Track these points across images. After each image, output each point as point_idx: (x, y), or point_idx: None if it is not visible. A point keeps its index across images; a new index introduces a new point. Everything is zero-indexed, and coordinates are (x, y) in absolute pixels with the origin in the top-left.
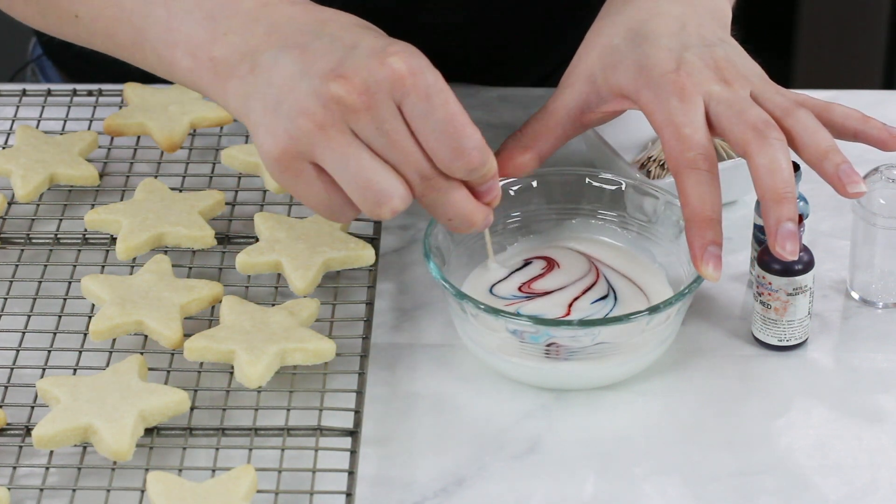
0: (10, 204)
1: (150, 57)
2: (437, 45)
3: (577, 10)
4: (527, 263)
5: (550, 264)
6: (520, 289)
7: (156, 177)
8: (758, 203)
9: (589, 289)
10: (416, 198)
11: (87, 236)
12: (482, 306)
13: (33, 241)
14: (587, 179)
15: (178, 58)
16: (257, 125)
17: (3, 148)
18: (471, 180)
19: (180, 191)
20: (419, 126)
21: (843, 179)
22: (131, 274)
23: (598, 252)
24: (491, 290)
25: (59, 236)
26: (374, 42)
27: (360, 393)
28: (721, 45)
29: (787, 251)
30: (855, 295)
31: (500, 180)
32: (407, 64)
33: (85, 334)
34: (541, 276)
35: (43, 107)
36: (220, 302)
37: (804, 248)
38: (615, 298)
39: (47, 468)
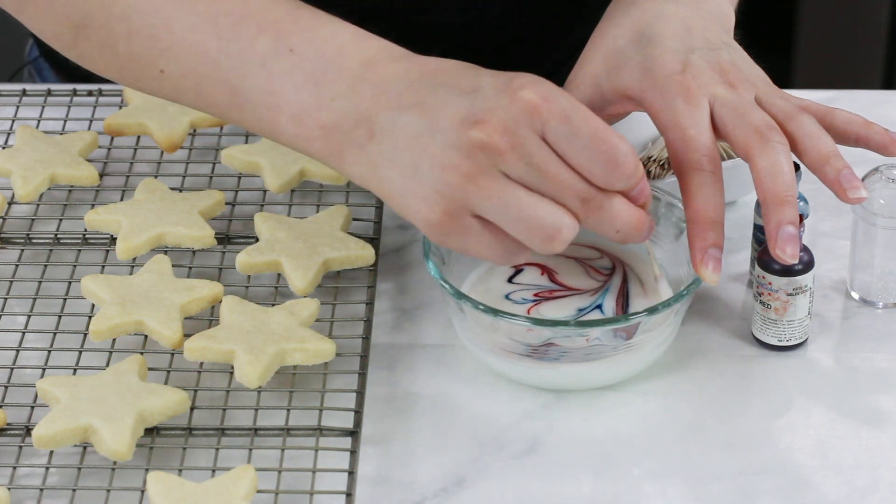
0: (10, 204)
1: (250, 118)
2: (437, 48)
3: (576, 11)
4: (518, 271)
5: (545, 270)
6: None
7: (156, 177)
8: (758, 203)
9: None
10: (579, 222)
11: (87, 236)
12: (481, 306)
13: (33, 241)
14: None
15: (283, 123)
16: (401, 196)
17: (3, 148)
18: (627, 190)
19: (180, 191)
20: (567, 149)
21: (845, 185)
22: (131, 274)
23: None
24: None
25: (59, 236)
26: (495, 81)
27: (360, 393)
28: (725, 48)
29: (787, 255)
30: (855, 295)
31: None
32: (537, 93)
33: (85, 334)
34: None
35: (43, 107)
36: (220, 302)
37: (804, 248)
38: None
39: (47, 468)
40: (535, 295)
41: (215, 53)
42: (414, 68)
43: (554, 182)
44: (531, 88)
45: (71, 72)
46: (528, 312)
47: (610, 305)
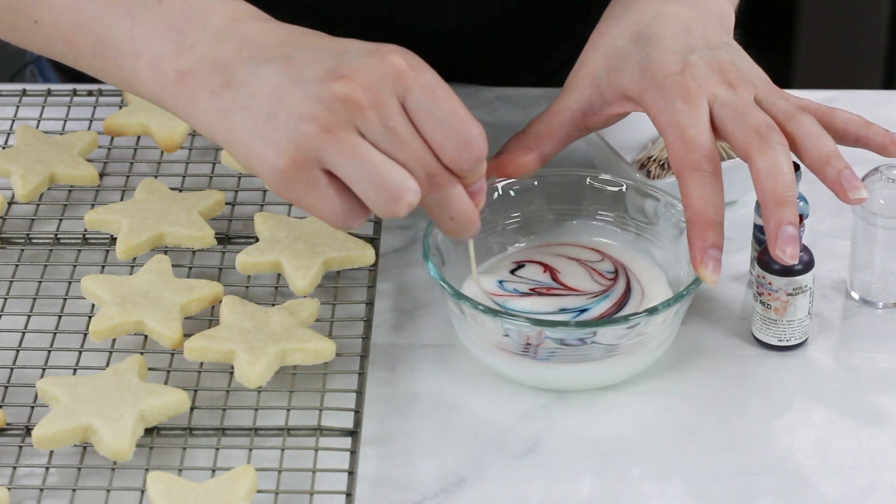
0: (10, 204)
1: (111, 67)
2: (436, 51)
3: (574, 16)
4: (520, 265)
5: (547, 269)
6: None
7: (156, 177)
8: (758, 203)
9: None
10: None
11: (87, 236)
12: (480, 307)
13: (33, 241)
14: (588, 180)
15: (141, 69)
16: (250, 140)
17: (3, 148)
18: (469, 176)
19: (180, 191)
20: (424, 120)
21: (845, 185)
22: (131, 274)
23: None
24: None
25: (59, 236)
26: (364, 45)
27: (360, 393)
28: (725, 48)
29: (787, 255)
30: (855, 295)
31: (501, 181)
32: (406, 60)
33: (85, 334)
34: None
35: (43, 107)
36: (220, 302)
37: (804, 248)
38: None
39: (47, 468)
40: (532, 290)
41: (84, 3)
42: (280, 29)
43: (405, 148)
44: (401, 55)
45: (73, 71)
46: (510, 299)
47: (599, 311)
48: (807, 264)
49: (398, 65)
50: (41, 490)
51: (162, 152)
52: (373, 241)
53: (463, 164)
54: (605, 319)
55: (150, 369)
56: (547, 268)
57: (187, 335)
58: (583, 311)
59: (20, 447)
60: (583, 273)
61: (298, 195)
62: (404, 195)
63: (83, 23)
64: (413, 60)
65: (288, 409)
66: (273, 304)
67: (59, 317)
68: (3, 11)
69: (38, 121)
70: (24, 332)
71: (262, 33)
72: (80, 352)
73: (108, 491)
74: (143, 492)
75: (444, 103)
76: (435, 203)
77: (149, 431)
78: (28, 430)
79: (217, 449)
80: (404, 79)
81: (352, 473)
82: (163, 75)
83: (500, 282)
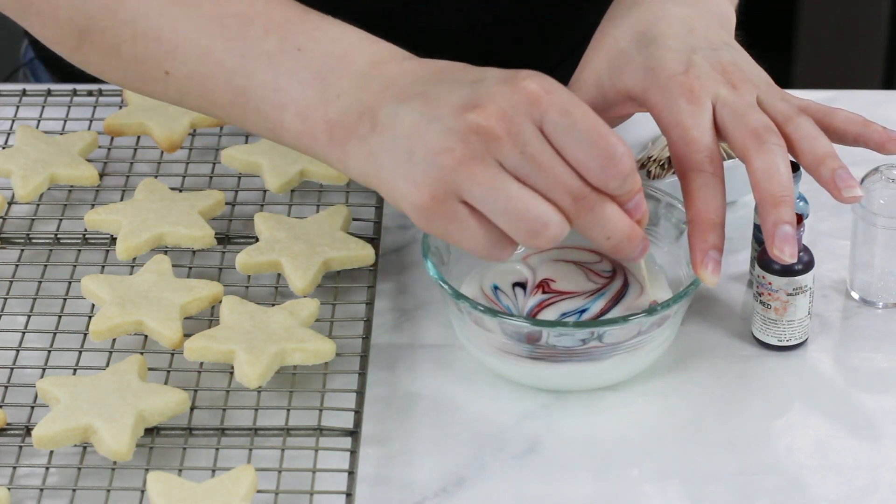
0: (10, 204)
1: (252, 117)
2: (433, 52)
3: (571, 16)
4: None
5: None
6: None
7: (156, 177)
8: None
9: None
10: (569, 222)
11: (87, 236)
12: (480, 307)
13: (33, 241)
14: None
15: (288, 120)
16: (392, 180)
17: (3, 148)
18: (620, 194)
19: (180, 191)
20: (564, 142)
21: (839, 184)
22: (131, 274)
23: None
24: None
25: (59, 236)
26: (499, 73)
27: (360, 393)
28: (727, 49)
29: (785, 254)
30: (855, 295)
31: None
32: (540, 84)
33: (85, 334)
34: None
35: (43, 107)
36: (220, 302)
37: (804, 248)
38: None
39: (47, 468)
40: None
41: (220, 53)
42: (422, 66)
43: (547, 175)
44: (535, 80)
45: (66, 73)
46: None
47: (597, 308)
48: (807, 264)
49: (532, 90)
50: (41, 490)
51: (162, 152)
52: (373, 241)
53: (610, 182)
54: (605, 320)
55: (150, 369)
56: (540, 285)
57: (187, 335)
58: (582, 311)
59: (20, 447)
60: (578, 274)
61: (442, 229)
62: (545, 228)
63: (220, 75)
64: (547, 83)
65: (288, 409)
66: (273, 304)
67: (59, 317)
68: (132, 63)
69: (38, 121)
70: (24, 332)
71: (402, 73)
72: (80, 352)
73: (108, 491)
74: (143, 492)
75: (582, 122)
76: (588, 226)
77: (149, 431)
78: (28, 430)
79: (217, 449)
80: (539, 103)
81: (352, 473)
82: (312, 126)
83: (496, 286)
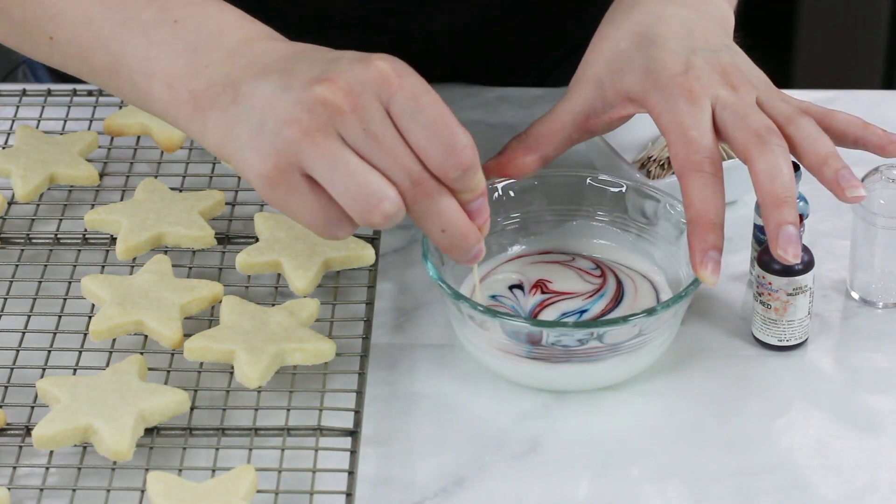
0: (10, 204)
1: (125, 85)
2: (434, 51)
3: (571, 12)
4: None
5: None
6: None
7: (156, 177)
8: (758, 203)
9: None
10: (406, 207)
11: (87, 236)
12: (479, 308)
13: (33, 241)
14: (588, 181)
15: (156, 89)
16: (242, 150)
17: (3, 148)
18: (461, 189)
19: (180, 191)
20: (408, 125)
21: (843, 184)
22: (131, 274)
23: (597, 253)
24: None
25: (59, 236)
26: (356, 53)
27: (360, 393)
28: (727, 50)
29: (788, 255)
30: (855, 295)
31: (501, 181)
32: (392, 66)
33: (85, 334)
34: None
35: (43, 107)
36: (220, 302)
37: (804, 249)
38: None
39: (47, 468)
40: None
41: (101, 21)
42: (290, 46)
43: (387, 154)
44: (388, 62)
45: (64, 72)
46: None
47: (597, 309)
48: (807, 264)
49: (383, 70)
50: (41, 490)
51: (162, 152)
52: (373, 241)
53: (449, 172)
54: (605, 320)
55: (150, 369)
56: (537, 285)
57: (187, 335)
58: (582, 312)
59: (20, 447)
60: (572, 274)
61: (282, 201)
62: (380, 203)
63: (99, 41)
64: (399, 66)
65: (288, 409)
66: (273, 304)
67: (59, 317)
68: (19, 27)
69: (38, 121)
70: (24, 332)
71: (270, 50)
72: (80, 352)
73: (108, 491)
74: (143, 492)
75: (430, 109)
76: (424, 214)
77: (149, 431)
78: (28, 430)
79: (217, 449)
80: (389, 84)
81: (352, 473)
82: (177, 95)
83: (494, 297)
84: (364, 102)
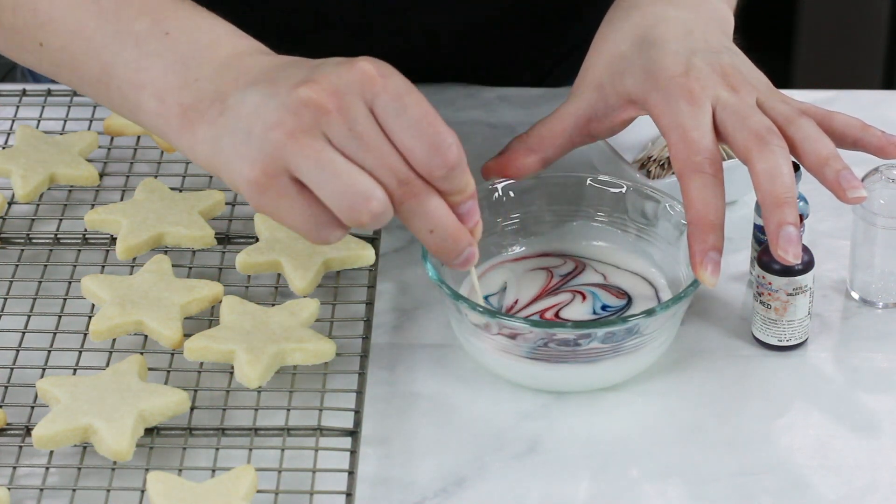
0: (10, 204)
1: (115, 96)
2: (433, 50)
3: (569, 12)
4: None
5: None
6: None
7: (156, 177)
8: (758, 203)
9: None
10: (394, 208)
11: (87, 236)
12: (479, 308)
13: (33, 241)
14: (588, 181)
15: (145, 101)
16: (229, 160)
17: (3, 148)
18: (448, 189)
19: (180, 191)
20: (393, 125)
21: (844, 185)
22: (131, 274)
23: (597, 254)
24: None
25: (59, 236)
26: (341, 59)
27: (360, 393)
28: (727, 52)
29: (789, 255)
30: (855, 295)
31: (501, 181)
32: (376, 67)
33: (85, 334)
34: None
35: (43, 107)
36: (220, 302)
37: (804, 248)
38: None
39: (47, 468)
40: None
41: (92, 30)
42: (280, 59)
43: (373, 154)
44: (371, 63)
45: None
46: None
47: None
48: (807, 264)
49: (366, 70)
50: (41, 490)
51: (162, 152)
52: (373, 241)
53: (435, 171)
54: (602, 322)
55: (150, 369)
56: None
57: (187, 335)
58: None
59: (20, 447)
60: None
61: (271, 206)
62: (367, 203)
63: (89, 50)
64: (383, 68)
65: (288, 409)
66: (273, 304)
67: (59, 317)
68: (10, 33)
69: (38, 121)
70: (24, 332)
71: (257, 64)
72: (80, 352)
73: (108, 491)
74: (143, 492)
75: (414, 108)
76: (411, 214)
77: (149, 431)
78: (28, 430)
79: (217, 449)
80: (372, 84)
81: (352, 473)
82: (166, 108)
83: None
84: (348, 102)
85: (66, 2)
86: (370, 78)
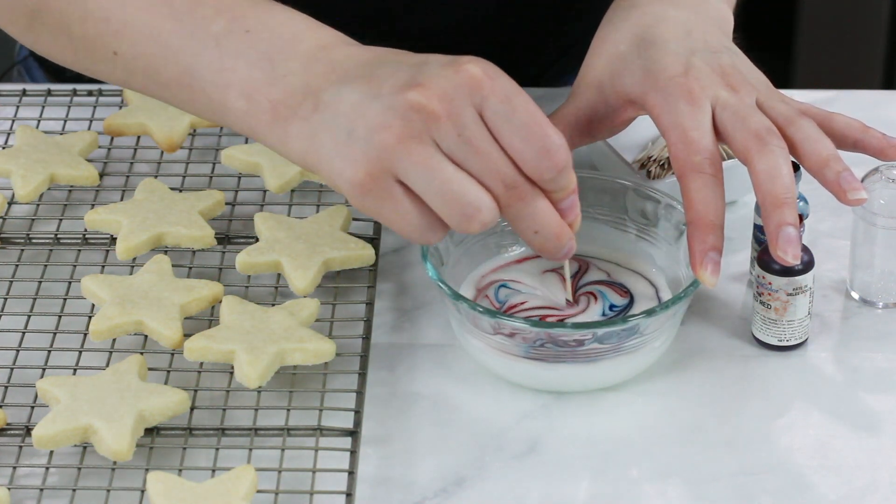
0: (10, 204)
1: (199, 98)
2: (432, 47)
3: (561, 16)
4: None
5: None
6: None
7: (156, 177)
8: (758, 204)
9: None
10: (500, 210)
11: (87, 236)
12: (479, 308)
13: (33, 241)
14: (588, 181)
15: (232, 100)
16: (330, 159)
17: (3, 148)
18: (554, 189)
19: (180, 191)
20: (502, 129)
21: (844, 186)
22: (131, 274)
23: (597, 253)
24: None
25: (59, 236)
26: (442, 57)
27: (360, 393)
28: (727, 52)
29: (788, 256)
30: (855, 295)
31: None
32: (483, 70)
33: (85, 334)
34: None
35: (43, 107)
36: (220, 302)
37: (804, 248)
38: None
39: (47, 468)
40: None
41: (168, 34)
42: (367, 51)
43: (482, 159)
44: (478, 65)
45: (59, 71)
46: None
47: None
48: (807, 264)
49: (474, 74)
50: (41, 490)
51: (162, 152)
52: (373, 241)
53: (544, 174)
54: (602, 322)
55: (150, 369)
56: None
57: (187, 335)
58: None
59: (20, 447)
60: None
61: (376, 208)
62: (477, 213)
63: (167, 54)
64: (490, 69)
65: (288, 409)
66: (273, 304)
67: (59, 317)
68: (81, 43)
69: (38, 121)
70: (24, 332)
71: (348, 57)
72: (80, 352)
73: (108, 491)
74: (143, 492)
75: (522, 111)
76: (517, 216)
77: (149, 431)
78: (28, 430)
79: (217, 449)
80: (480, 88)
81: (352, 473)
82: (255, 106)
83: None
84: (458, 108)
85: (138, 7)
86: (479, 81)
